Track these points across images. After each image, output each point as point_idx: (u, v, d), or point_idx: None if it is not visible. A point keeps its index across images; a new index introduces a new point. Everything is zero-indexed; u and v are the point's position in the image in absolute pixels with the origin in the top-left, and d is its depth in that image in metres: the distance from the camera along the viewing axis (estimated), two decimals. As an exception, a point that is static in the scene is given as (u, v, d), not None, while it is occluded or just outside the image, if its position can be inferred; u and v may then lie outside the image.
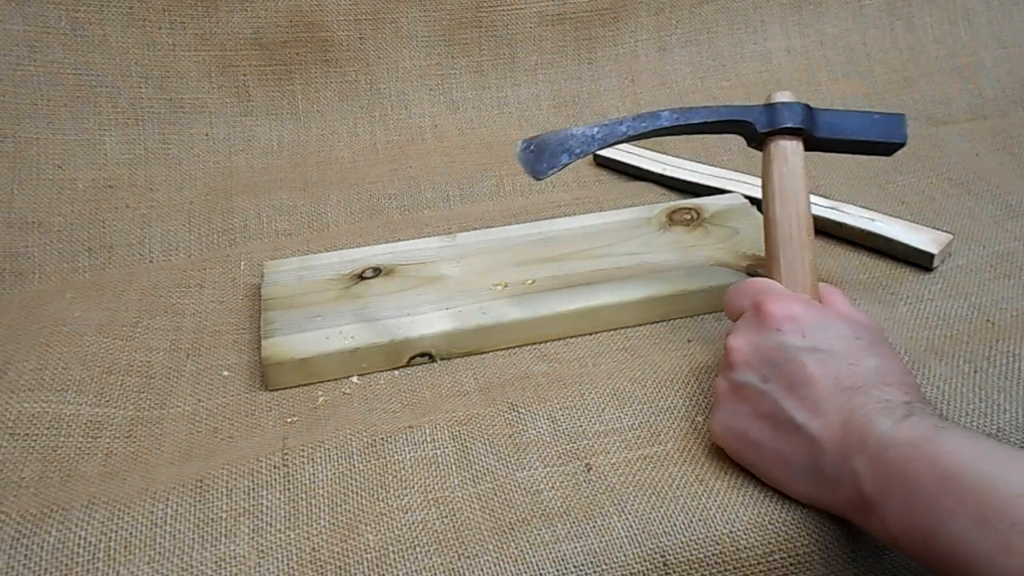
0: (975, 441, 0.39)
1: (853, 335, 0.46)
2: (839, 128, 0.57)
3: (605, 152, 0.86)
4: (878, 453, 0.40)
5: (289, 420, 0.55)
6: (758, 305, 0.48)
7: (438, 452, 0.50)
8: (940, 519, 0.37)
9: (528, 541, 0.45)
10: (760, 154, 0.58)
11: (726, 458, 0.49)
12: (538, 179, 0.56)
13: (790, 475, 0.45)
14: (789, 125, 0.56)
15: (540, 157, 0.56)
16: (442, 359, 0.60)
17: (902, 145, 0.58)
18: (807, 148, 0.57)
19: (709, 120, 0.58)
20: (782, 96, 0.57)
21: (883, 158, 0.82)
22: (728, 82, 0.96)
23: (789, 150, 0.56)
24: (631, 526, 0.46)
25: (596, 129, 0.56)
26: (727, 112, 0.58)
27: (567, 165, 0.56)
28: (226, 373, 0.60)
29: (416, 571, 0.44)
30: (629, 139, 0.57)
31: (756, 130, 0.57)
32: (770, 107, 0.57)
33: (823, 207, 0.72)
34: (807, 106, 0.57)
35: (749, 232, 0.69)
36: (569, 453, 0.50)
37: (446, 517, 0.47)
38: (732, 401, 0.47)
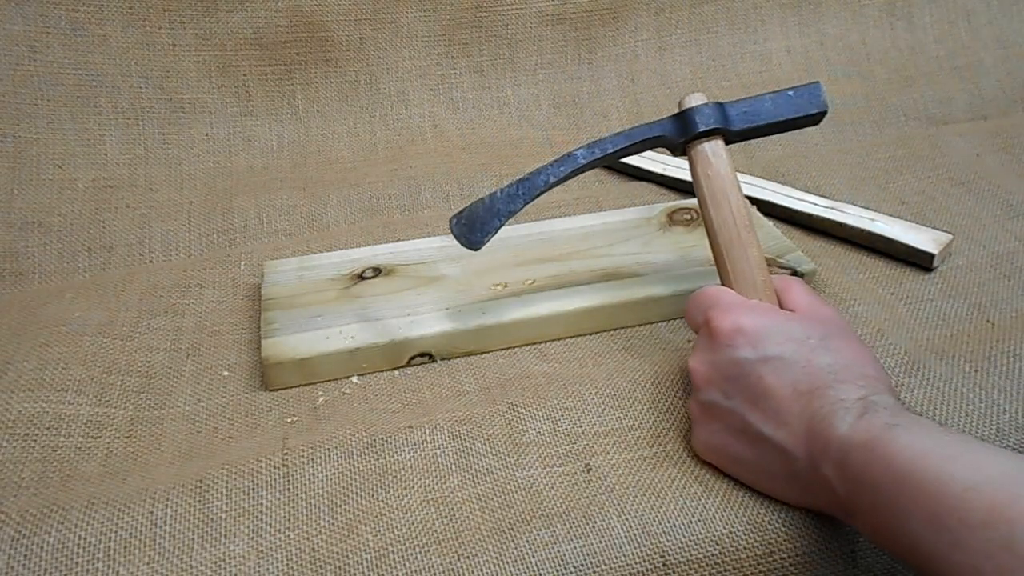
0: (926, 435, 0.39)
1: (804, 335, 0.46)
2: (755, 116, 0.56)
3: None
4: (840, 458, 0.40)
5: (289, 420, 0.55)
6: (708, 322, 0.48)
7: (438, 452, 0.50)
8: (900, 520, 0.37)
9: (528, 541, 0.45)
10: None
11: (726, 458, 0.49)
12: (476, 249, 0.56)
13: (776, 483, 0.46)
14: (702, 130, 0.55)
15: (473, 228, 0.56)
16: (442, 359, 0.60)
17: (824, 113, 0.57)
18: (729, 142, 0.56)
19: (625, 146, 0.57)
20: (692, 100, 0.56)
21: (883, 158, 0.82)
22: (728, 82, 0.96)
23: (709, 153, 0.55)
24: (631, 526, 0.46)
25: (516, 186, 0.56)
26: (640, 133, 0.57)
27: (500, 227, 0.55)
28: (226, 373, 0.60)
29: (416, 571, 0.44)
30: (551, 186, 0.56)
31: (673, 142, 0.56)
32: (680, 116, 0.56)
33: (823, 207, 0.72)
34: (719, 105, 0.55)
35: (749, 232, 0.69)
36: (569, 453, 0.50)
37: (446, 517, 0.47)
38: (704, 421, 0.48)
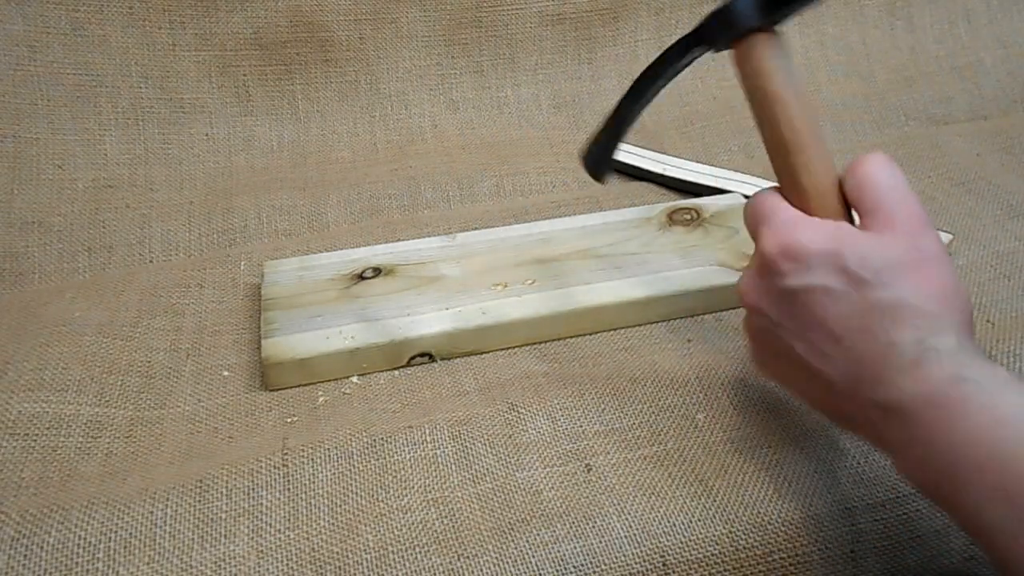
0: (1001, 396, 0.35)
1: (860, 261, 0.40)
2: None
3: (605, 152, 0.86)
4: (890, 407, 0.37)
5: (289, 420, 0.55)
6: (757, 240, 0.45)
7: (438, 452, 0.50)
8: (956, 485, 0.35)
9: (528, 541, 0.45)
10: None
11: (725, 457, 0.49)
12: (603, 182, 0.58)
13: (827, 406, 0.43)
14: (745, 24, 0.47)
15: (600, 161, 0.57)
16: (442, 359, 0.60)
17: None
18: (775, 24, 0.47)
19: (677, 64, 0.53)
20: None
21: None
22: (728, 82, 0.96)
23: (763, 53, 0.46)
24: (631, 526, 0.46)
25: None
26: (681, 47, 0.52)
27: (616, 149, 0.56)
28: (226, 373, 0.60)
29: (416, 571, 0.44)
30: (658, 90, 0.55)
31: (718, 42, 0.49)
32: (710, 18, 0.49)
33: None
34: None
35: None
36: (569, 453, 0.50)
37: (446, 517, 0.47)
38: (757, 342, 0.46)
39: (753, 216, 0.46)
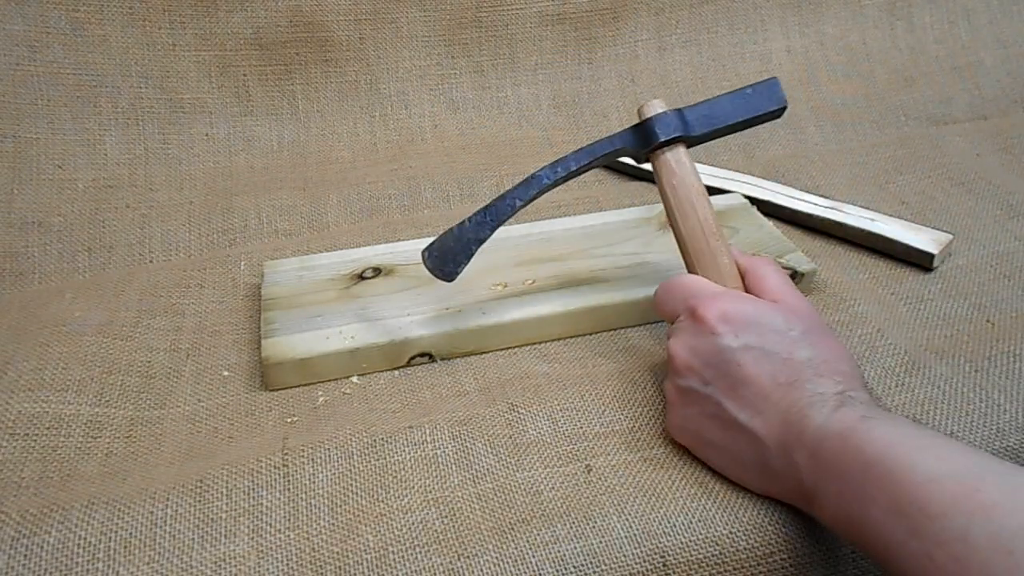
0: (898, 428, 0.40)
1: (786, 327, 0.47)
2: (715, 119, 0.56)
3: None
4: (814, 446, 0.41)
5: (289, 420, 0.55)
6: (692, 310, 0.49)
7: (438, 452, 0.50)
8: (864, 506, 0.38)
9: (528, 541, 0.45)
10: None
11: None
12: (450, 281, 0.56)
13: (743, 470, 0.47)
14: (662, 139, 0.55)
15: (445, 260, 0.56)
16: (442, 359, 0.60)
17: (784, 108, 0.57)
18: (691, 146, 0.56)
19: (587, 162, 0.57)
20: (652, 108, 0.56)
21: (883, 158, 0.82)
22: (728, 82, 0.96)
23: (672, 162, 0.55)
24: (631, 527, 0.46)
25: (483, 214, 0.56)
26: (601, 148, 0.57)
27: (472, 256, 0.56)
28: (226, 373, 0.60)
29: (416, 571, 0.44)
30: (519, 209, 0.56)
31: (636, 153, 0.57)
32: (640, 126, 0.56)
33: (823, 207, 0.72)
34: (678, 112, 0.55)
35: (749, 232, 0.69)
36: (569, 454, 0.50)
37: (446, 517, 0.47)
38: (680, 404, 0.49)
39: (677, 291, 0.52)
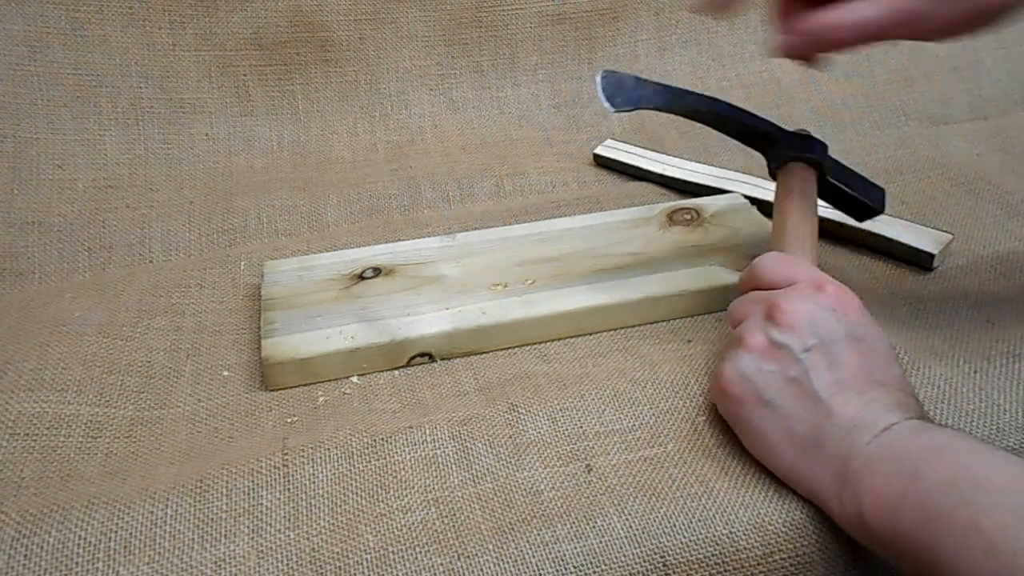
0: (975, 444, 0.42)
1: (890, 344, 0.48)
2: (844, 178, 0.62)
3: (605, 152, 0.86)
4: (881, 430, 0.43)
5: (289, 420, 0.55)
6: (819, 283, 0.49)
7: (438, 452, 0.50)
8: (915, 481, 0.39)
9: (528, 541, 0.45)
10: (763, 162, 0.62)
11: (726, 459, 0.49)
12: (614, 109, 0.56)
13: (781, 442, 0.46)
14: (817, 156, 0.60)
15: (618, 92, 0.57)
16: (442, 359, 0.60)
17: (877, 213, 0.64)
18: (819, 180, 0.62)
19: (747, 121, 0.62)
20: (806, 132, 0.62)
21: (883, 158, 0.82)
22: (728, 82, 0.96)
23: (807, 172, 0.60)
24: (631, 527, 0.46)
25: (665, 87, 0.58)
26: (764, 122, 0.62)
27: (638, 109, 0.57)
28: (226, 373, 0.60)
29: (416, 571, 0.44)
30: (697, 105, 0.60)
31: (783, 152, 0.61)
32: (804, 136, 0.62)
33: (823, 207, 0.72)
34: (824, 146, 0.61)
35: (749, 232, 0.69)
36: (569, 454, 0.50)
37: (446, 517, 0.47)
38: (761, 356, 0.47)
39: (803, 264, 0.53)
